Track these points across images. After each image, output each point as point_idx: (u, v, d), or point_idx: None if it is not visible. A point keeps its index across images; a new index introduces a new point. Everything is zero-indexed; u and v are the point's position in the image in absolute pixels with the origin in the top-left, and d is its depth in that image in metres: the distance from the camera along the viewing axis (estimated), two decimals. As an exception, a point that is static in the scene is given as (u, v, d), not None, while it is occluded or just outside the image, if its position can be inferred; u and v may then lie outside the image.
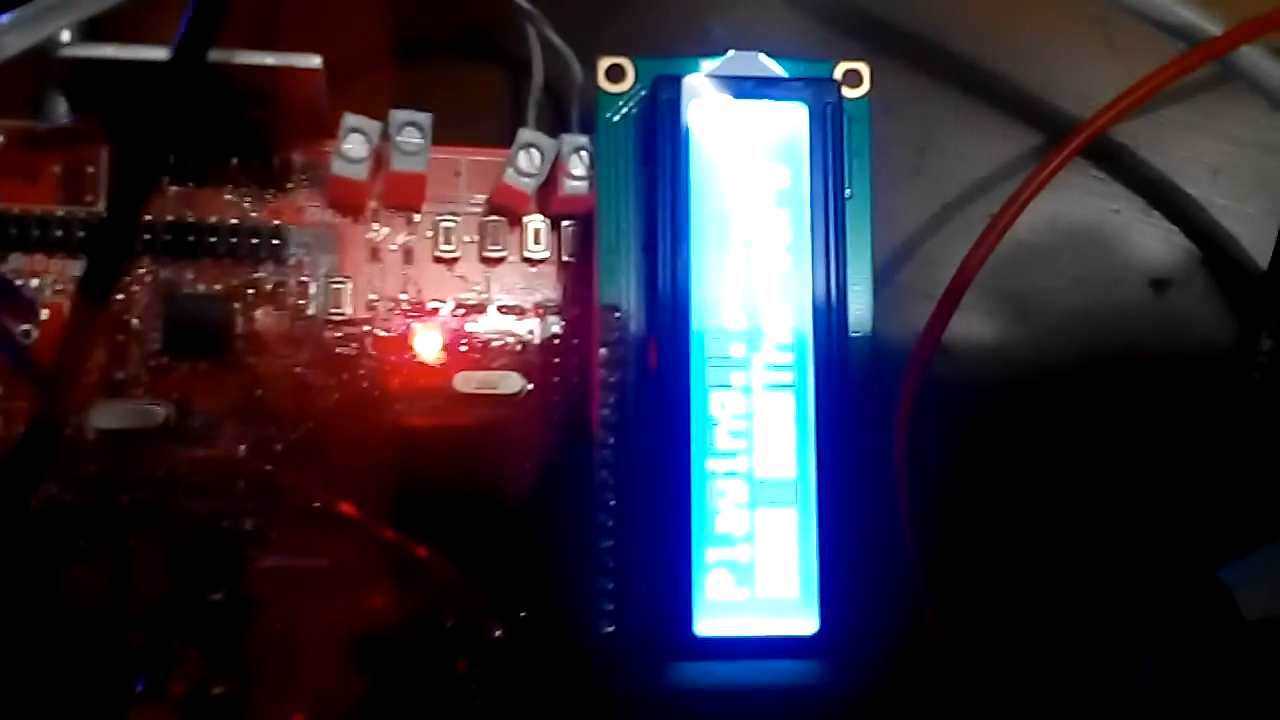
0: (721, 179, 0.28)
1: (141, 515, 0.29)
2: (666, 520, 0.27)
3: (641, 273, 0.28)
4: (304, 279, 0.30)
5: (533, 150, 0.29)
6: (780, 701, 0.27)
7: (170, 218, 0.29)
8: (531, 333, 0.30)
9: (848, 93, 0.29)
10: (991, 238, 0.29)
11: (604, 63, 0.29)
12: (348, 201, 0.30)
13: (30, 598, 0.28)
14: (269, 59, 0.27)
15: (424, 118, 0.28)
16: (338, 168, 0.28)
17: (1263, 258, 0.33)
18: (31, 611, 0.28)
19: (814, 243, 0.28)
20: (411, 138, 0.28)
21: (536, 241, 0.31)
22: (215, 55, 0.25)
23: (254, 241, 0.30)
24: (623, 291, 0.28)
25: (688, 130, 0.28)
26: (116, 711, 0.28)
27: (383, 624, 0.29)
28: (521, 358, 0.30)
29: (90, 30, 0.28)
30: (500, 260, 0.30)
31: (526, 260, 0.31)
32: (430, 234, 0.30)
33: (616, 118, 0.29)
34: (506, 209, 0.30)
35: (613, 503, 0.27)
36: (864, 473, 0.27)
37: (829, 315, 0.27)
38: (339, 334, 0.30)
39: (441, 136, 0.29)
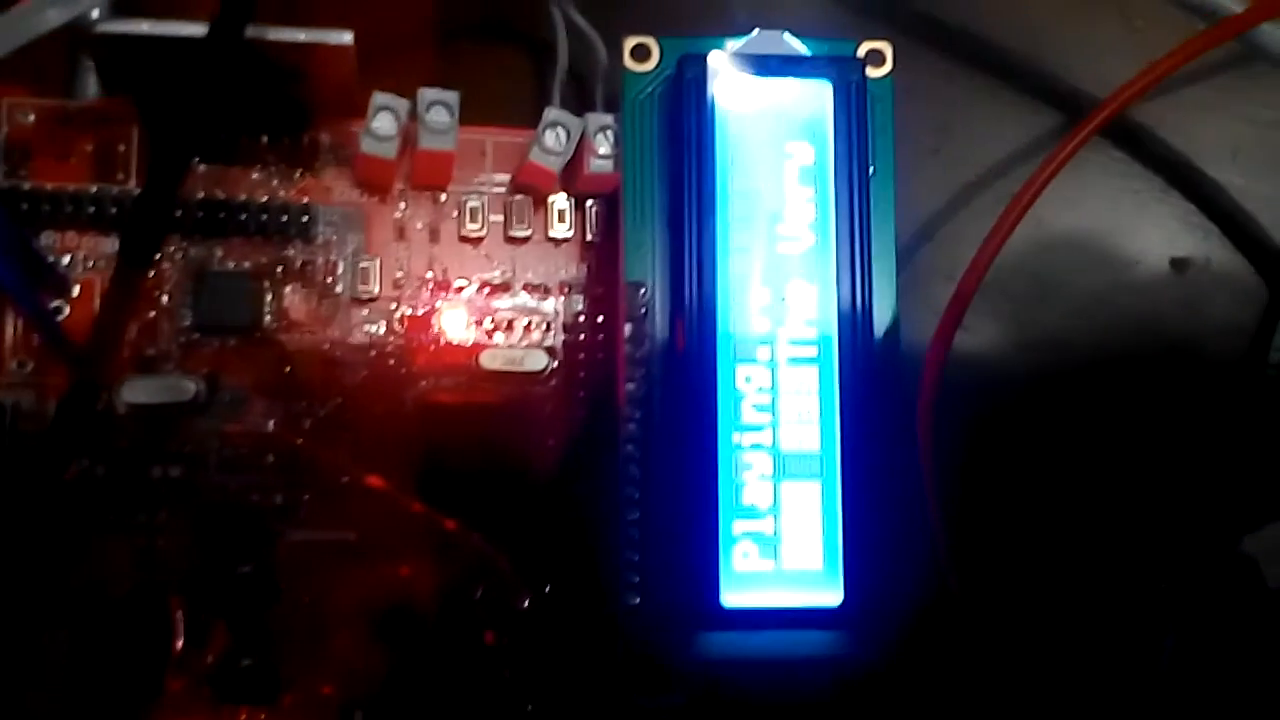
0: (746, 156, 0.28)
1: (172, 489, 0.29)
2: (693, 493, 0.27)
3: (666, 249, 0.28)
4: (332, 257, 0.30)
5: (559, 129, 0.29)
6: (805, 672, 0.27)
7: (201, 195, 0.30)
8: (556, 311, 0.31)
9: (870, 72, 0.29)
10: (1012, 217, 0.29)
11: (629, 42, 0.29)
12: (375, 181, 0.30)
13: (62, 570, 0.28)
14: (301, 35, 0.27)
15: (452, 96, 0.29)
16: (367, 145, 0.29)
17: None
18: (63, 584, 0.28)
19: (838, 219, 0.28)
20: (440, 116, 0.29)
21: (561, 220, 0.31)
22: (248, 31, 0.26)
23: (283, 220, 0.30)
24: (648, 268, 0.28)
25: (713, 108, 0.28)
26: (149, 683, 0.28)
27: (411, 596, 0.29)
28: (546, 335, 0.31)
29: (123, 6, 0.28)
30: (525, 239, 0.31)
31: (551, 240, 0.31)
32: (456, 214, 0.31)
33: (642, 97, 0.29)
34: (531, 188, 0.31)
35: (639, 476, 0.28)
36: (887, 447, 0.28)
37: (853, 290, 0.28)
38: (366, 312, 0.30)
39: (467, 118, 0.29)
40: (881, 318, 0.28)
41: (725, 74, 0.28)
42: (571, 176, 0.30)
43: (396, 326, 0.30)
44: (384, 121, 0.29)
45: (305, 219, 0.30)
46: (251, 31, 0.26)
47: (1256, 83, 0.34)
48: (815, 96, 0.28)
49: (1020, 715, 0.30)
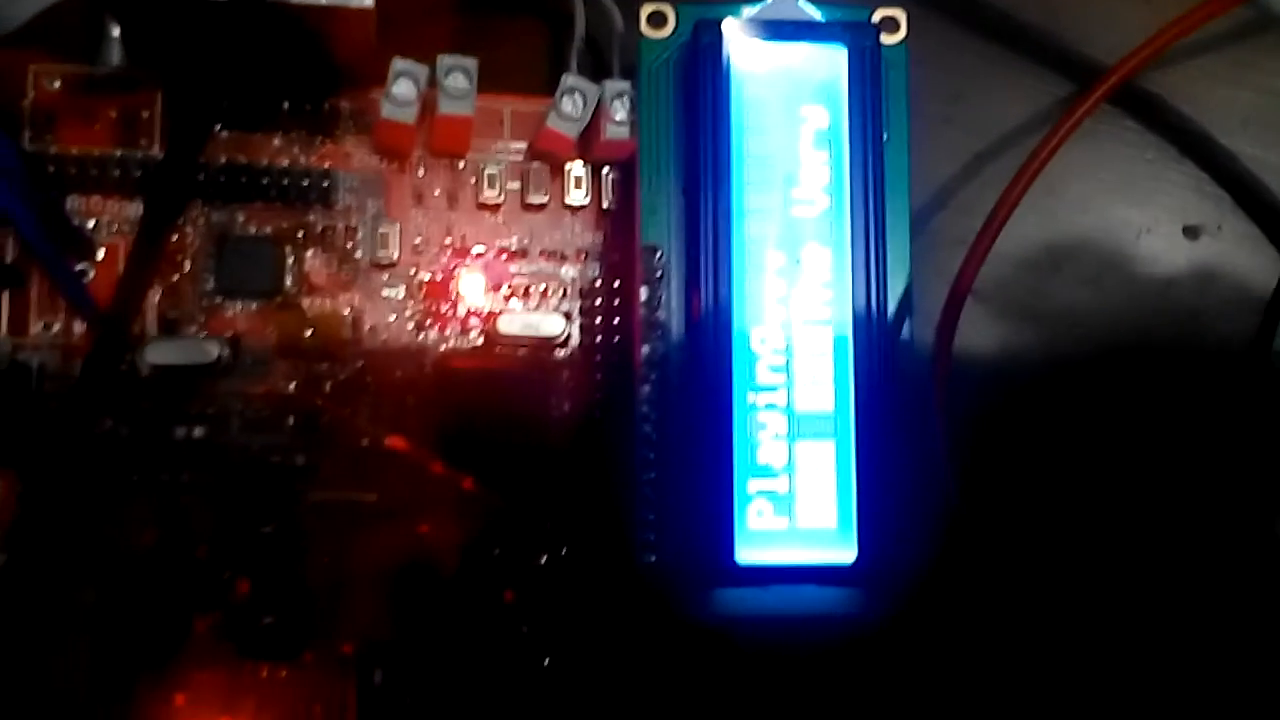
0: (762, 120, 0.28)
1: (195, 450, 0.29)
2: (709, 452, 0.27)
3: (682, 214, 0.29)
4: (352, 223, 0.31)
5: (576, 95, 0.30)
6: (818, 628, 0.28)
7: (223, 161, 0.30)
8: (573, 277, 0.31)
9: (884, 39, 0.29)
10: (1020, 185, 0.30)
11: (646, 9, 0.29)
12: (395, 147, 0.31)
13: (89, 528, 0.29)
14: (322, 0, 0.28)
15: (470, 62, 0.29)
16: (387, 110, 0.29)
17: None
18: (89, 543, 0.29)
19: (853, 182, 0.28)
20: (458, 81, 0.29)
21: (578, 187, 0.31)
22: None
23: (304, 185, 0.30)
24: (663, 232, 0.29)
25: (729, 73, 0.28)
26: (173, 641, 0.29)
27: (430, 555, 0.29)
28: (563, 301, 0.31)
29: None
30: (542, 206, 0.31)
31: (568, 207, 0.31)
32: (474, 181, 0.31)
33: (658, 63, 0.29)
34: (549, 155, 0.31)
35: (655, 437, 0.28)
36: (901, 408, 0.28)
37: (867, 252, 0.28)
38: (385, 276, 0.31)
39: (485, 86, 0.29)
40: (895, 281, 0.29)
41: (740, 39, 0.28)
42: (588, 143, 0.31)
43: (415, 291, 0.31)
44: (404, 87, 0.29)
45: (326, 184, 0.30)
46: (274, -4, 0.27)
47: (1269, 53, 0.34)
48: (830, 61, 0.29)
49: (1027, 671, 0.30)
